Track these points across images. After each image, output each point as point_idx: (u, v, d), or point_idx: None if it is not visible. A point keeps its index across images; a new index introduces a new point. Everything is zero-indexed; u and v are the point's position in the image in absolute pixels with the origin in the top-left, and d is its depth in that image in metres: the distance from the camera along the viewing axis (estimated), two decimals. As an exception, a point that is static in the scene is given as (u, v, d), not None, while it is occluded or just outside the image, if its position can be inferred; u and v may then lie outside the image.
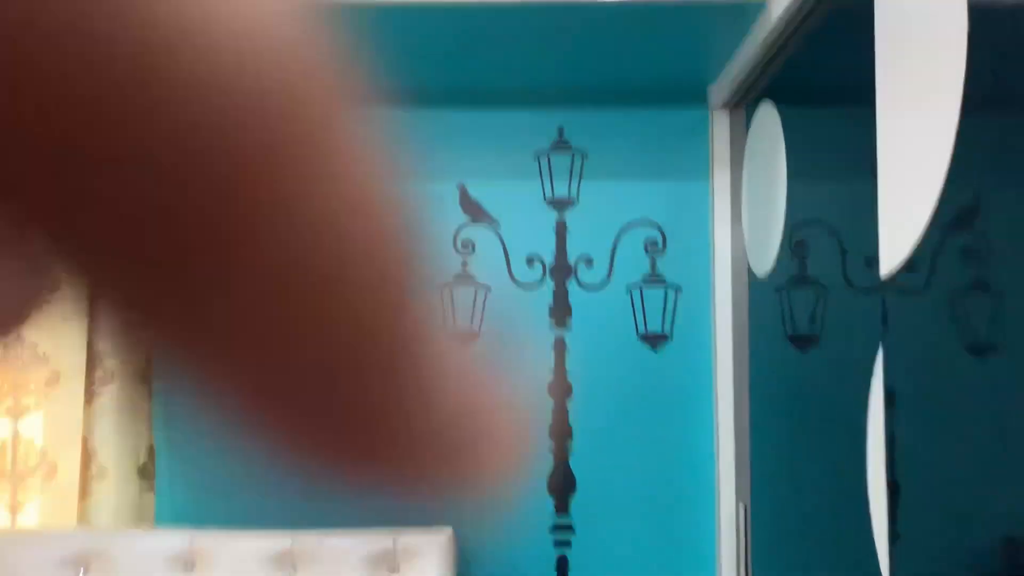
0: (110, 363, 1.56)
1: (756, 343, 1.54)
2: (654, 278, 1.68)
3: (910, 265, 0.82)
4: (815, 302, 1.25)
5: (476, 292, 1.67)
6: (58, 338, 1.62)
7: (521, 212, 1.70)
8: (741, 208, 1.60)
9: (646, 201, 1.69)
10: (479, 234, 1.70)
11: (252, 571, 1.44)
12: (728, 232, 1.63)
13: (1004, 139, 0.71)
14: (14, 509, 1.59)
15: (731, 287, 1.61)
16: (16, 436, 1.60)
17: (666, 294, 1.68)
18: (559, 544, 1.65)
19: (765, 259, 1.44)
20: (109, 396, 1.56)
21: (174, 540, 1.44)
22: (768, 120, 1.42)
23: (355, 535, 1.44)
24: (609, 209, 1.69)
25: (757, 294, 1.51)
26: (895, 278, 0.86)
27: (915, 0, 0.80)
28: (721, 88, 1.61)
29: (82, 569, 1.41)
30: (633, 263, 1.68)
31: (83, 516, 1.55)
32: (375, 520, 1.38)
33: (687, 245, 1.68)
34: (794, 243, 1.34)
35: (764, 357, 1.50)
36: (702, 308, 1.67)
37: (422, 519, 1.41)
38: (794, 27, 1.23)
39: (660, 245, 1.69)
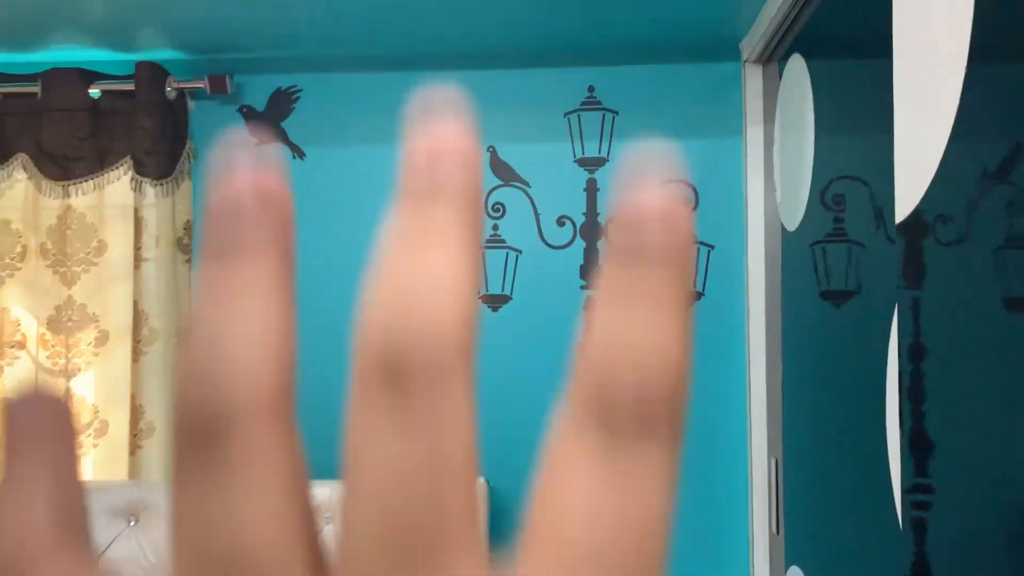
0: (154, 322, 1.62)
1: (789, 298, 1.53)
2: (685, 236, 1.68)
3: (943, 217, 0.81)
4: (846, 256, 1.24)
5: (507, 256, 1.68)
6: (106, 298, 1.68)
7: (551, 173, 1.70)
8: (773, 163, 1.58)
9: (678, 158, 1.68)
10: (509, 196, 1.71)
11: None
12: (761, 188, 1.62)
13: None
14: (70, 463, 1.67)
15: (764, 244, 1.60)
16: (69, 395, 1.67)
17: (699, 252, 1.68)
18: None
19: (795, 213, 1.42)
20: (155, 355, 1.62)
21: (218, 492, 1.50)
22: (798, 74, 1.40)
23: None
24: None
25: (788, 249, 1.50)
26: (919, 227, 0.85)
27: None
28: (752, 41, 1.59)
29: (132, 519, 1.48)
30: (664, 221, 1.68)
31: (133, 470, 1.62)
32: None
33: (720, 202, 1.67)
34: (822, 196, 1.33)
35: (797, 312, 1.49)
36: (735, 265, 1.66)
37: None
38: (821, -24, 1.20)
39: (693, 203, 1.68)
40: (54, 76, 1.69)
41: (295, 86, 1.77)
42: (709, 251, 1.67)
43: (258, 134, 1.77)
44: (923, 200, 0.80)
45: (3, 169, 1.71)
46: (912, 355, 0.94)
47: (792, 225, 1.44)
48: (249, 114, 1.78)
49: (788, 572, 1.50)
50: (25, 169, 1.70)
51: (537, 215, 1.70)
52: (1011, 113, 0.71)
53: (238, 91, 1.78)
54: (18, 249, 1.71)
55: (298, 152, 1.76)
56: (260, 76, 1.77)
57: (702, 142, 1.68)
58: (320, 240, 1.74)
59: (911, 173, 0.82)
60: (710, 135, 1.68)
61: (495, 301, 1.70)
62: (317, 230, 1.74)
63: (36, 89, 1.69)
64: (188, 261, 1.71)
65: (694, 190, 1.68)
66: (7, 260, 1.71)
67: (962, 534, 0.82)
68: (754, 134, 1.63)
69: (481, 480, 1.51)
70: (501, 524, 1.57)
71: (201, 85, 1.71)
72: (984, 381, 0.79)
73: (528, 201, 1.70)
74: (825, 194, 1.31)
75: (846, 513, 1.21)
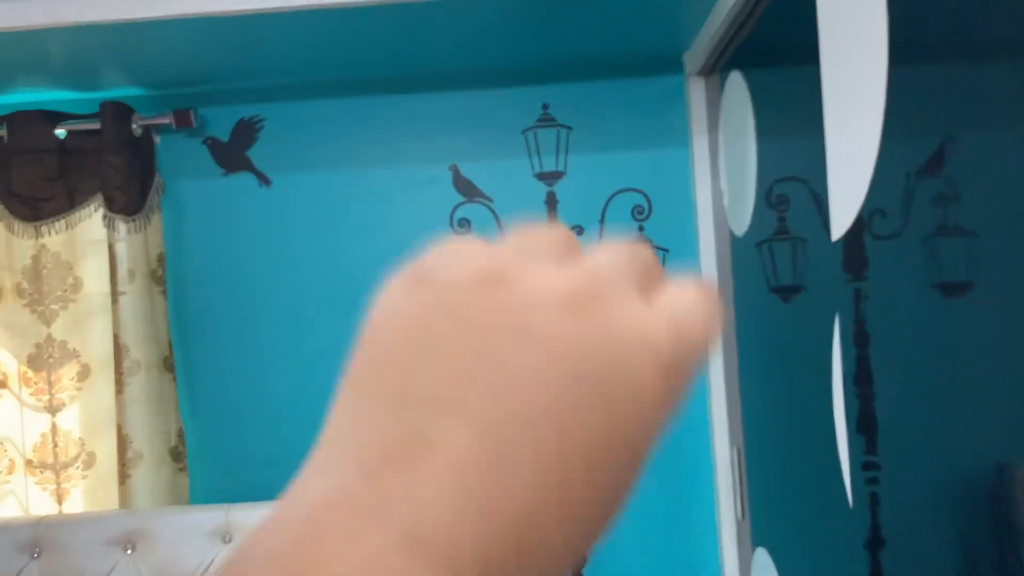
0: (135, 354, 1.66)
1: (741, 295, 1.63)
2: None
3: (881, 213, 0.91)
4: (791, 253, 1.34)
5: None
6: (85, 333, 1.72)
7: (512, 188, 1.79)
8: (719, 171, 1.68)
9: (630, 169, 1.78)
10: (474, 212, 1.79)
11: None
12: (709, 194, 1.72)
13: (964, 85, 0.78)
14: (60, 497, 1.70)
15: (715, 246, 1.70)
16: (55, 429, 1.71)
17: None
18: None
19: (743, 215, 1.52)
20: (138, 385, 1.66)
21: (212, 515, 1.55)
22: (738, 85, 1.50)
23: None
24: (596, 179, 1.78)
25: (737, 251, 1.60)
26: (856, 222, 0.95)
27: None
28: (695, 55, 1.68)
29: (129, 547, 1.52)
30: (621, 229, 1.77)
31: (123, 499, 1.66)
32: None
33: (671, 209, 1.77)
34: (767, 201, 1.43)
35: (749, 309, 1.59)
36: (689, 267, 1.76)
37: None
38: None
39: (646, 211, 1.78)
40: (20, 118, 1.72)
41: (257, 115, 1.83)
42: (664, 255, 1.77)
43: (225, 164, 1.82)
44: (863, 198, 0.90)
45: (-27, 212, 1.73)
46: (856, 342, 1.04)
47: (740, 227, 1.54)
48: (214, 145, 1.83)
49: (755, 554, 1.60)
50: (-5, 211, 1.73)
51: (501, 228, 1.78)
52: (934, 110, 0.80)
53: (202, 123, 1.83)
54: (-7, 290, 1.74)
55: (264, 180, 1.82)
56: (223, 107, 1.83)
57: (652, 152, 1.78)
58: (288, 265, 1.80)
59: (847, 173, 0.92)
60: (659, 145, 1.78)
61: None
62: (285, 255, 1.80)
63: (2, 132, 1.72)
64: (163, 293, 1.75)
65: (647, 198, 1.77)
66: (-17, 301, 1.73)
67: (908, 506, 0.92)
68: (700, 143, 1.73)
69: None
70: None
71: (166, 121, 1.76)
72: (923, 362, 0.88)
73: (492, 216, 1.78)
74: (769, 196, 1.41)
75: (805, 495, 1.31)
